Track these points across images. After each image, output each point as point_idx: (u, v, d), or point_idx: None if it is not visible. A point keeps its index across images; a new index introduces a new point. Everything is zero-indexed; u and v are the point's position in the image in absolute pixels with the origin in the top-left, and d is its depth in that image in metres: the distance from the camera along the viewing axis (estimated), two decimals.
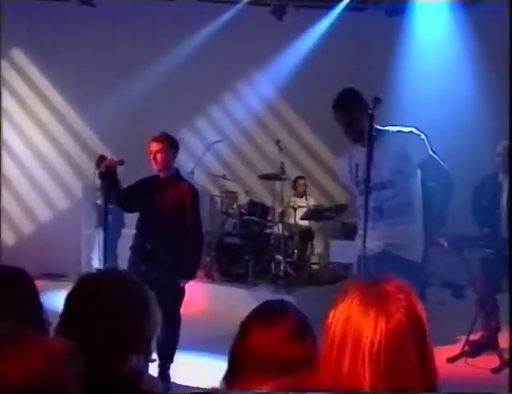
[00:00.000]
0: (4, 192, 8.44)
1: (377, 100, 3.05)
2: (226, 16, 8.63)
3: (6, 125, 8.52)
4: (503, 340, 4.82)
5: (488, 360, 4.71)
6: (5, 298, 1.64)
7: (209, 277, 7.37)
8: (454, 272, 5.53)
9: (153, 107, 8.21)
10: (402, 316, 1.06)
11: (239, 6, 8.64)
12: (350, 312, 1.08)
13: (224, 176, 8.17)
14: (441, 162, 3.52)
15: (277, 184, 7.42)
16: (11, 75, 8.59)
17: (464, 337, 4.89)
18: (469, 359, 4.73)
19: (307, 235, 7.72)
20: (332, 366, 1.07)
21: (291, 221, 7.56)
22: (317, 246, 8.06)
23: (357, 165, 3.55)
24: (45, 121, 8.77)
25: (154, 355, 1.63)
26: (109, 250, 5.08)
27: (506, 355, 4.63)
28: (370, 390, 1.02)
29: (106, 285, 1.57)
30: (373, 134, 3.15)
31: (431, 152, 3.46)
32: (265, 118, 9.34)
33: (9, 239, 8.47)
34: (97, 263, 6.77)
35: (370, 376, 1.03)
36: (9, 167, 8.54)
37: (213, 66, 8.40)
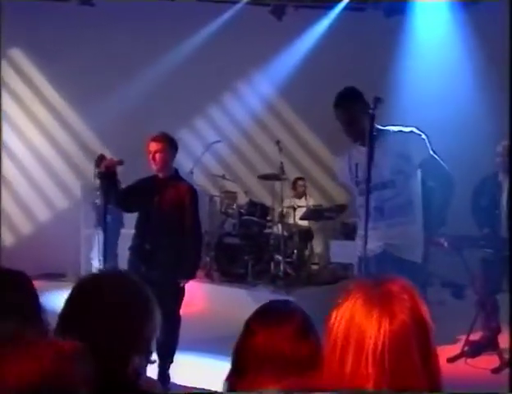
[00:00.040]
0: (3, 192, 8.43)
1: (378, 100, 3.04)
2: (226, 15, 8.64)
3: (4, 125, 8.51)
4: (503, 340, 4.82)
5: (488, 360, 4.71)
6: (5, 300, 1.64)
7: (209, 278, 7.37)
8: (454, 272, 5.53)
9: (153, 107, 8.21)
10: (406, 317, 1.06)
11: (238, 6, 8.65)
12: (354, 312, 1.07)
13: (223, 176, 8.17)
14: (442, 162, 3.51)
15: (277, 184, 7.42)
16: (10, 75, 8.58)
17: (463, 337, 4.88)
18: (469, 360, 4.72)
19: (306, 236, 7.72)
20: (335, 366, 1.06)
21: (291, 221, 7.55)
22: (317, 246, 8.05)
23: (357, 165, 3.54)
24: (44, 121, 8.76)
25: (154, 356, 1.62)
26: (109, 250, 5.08)
27: (506, 356, 4.62)
28: (374, 390, 1.02)
29: (106, 285, 1.57)
30: (374, 134, 3.14)
31: (431, 152, 3.45)
32: (264, 118, 9.35)
33: (8, 239, 8.46)
34: (96, 263, 6.77)
35: (374, 377, 1.02)
36: (8, 167, 8.52)
37: (213, 66, 8.40)
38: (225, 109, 9.30)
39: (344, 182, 3.92)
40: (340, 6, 8.74)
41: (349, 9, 8.78)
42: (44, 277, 7.67)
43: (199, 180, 8.06)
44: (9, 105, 8.53)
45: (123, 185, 4.49)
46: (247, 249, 7.27)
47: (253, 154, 9.37)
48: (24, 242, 8.47)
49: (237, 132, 9.23)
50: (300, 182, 8.36)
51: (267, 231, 7.65)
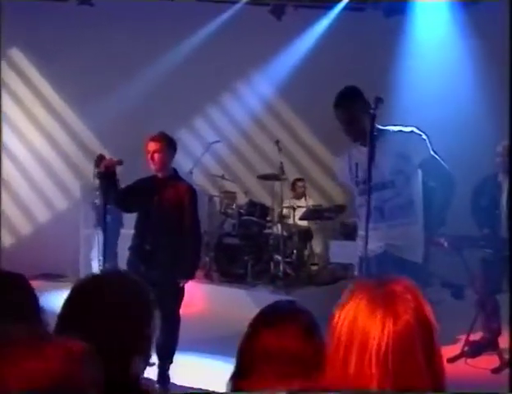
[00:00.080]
0: (2, 192, 8.41)
1: (379, 100, 3.03)
2: (225, 15, 8.62)
3: (3, 125, 8.49)
4: (503, 340, 4.82)
5: (488, 361, 4.71)
6: (5, 301, 1.63)
7: (208, 278, 7.36)
8: (454, 272, 5.52)
9: (152, 107, 8.20)
10: (410, 317, 1.05)
11: (238, 6, 8.63)
12: (357, 312, 1.06)
13: (223, 177, 8.16)
14: (442, 161, 3.50)
15: (276, 184, 7.41)
16: (9, 75, 8.56)
17: (463, 337, 4.88)
18: (469, 360, 4.72)
19: (306, 236, 7.71)
20: (338, 367, 1.05)
21: (290, 221, 7.55)
22: (317, 247, 8.05)
23: (356, 164, 3.53)
24: (42, 121, 8.75)
25: (153, 358, 1.62)
26: (108, 250, 5.08)
27: (506, 356, 4.62)
28: (377, 390, 1.01)
29: (106, 285, 1.56)
30: (375, 134, 3.13)
31: (432, 152, 3.44)
32: (264, 118, 9.34)
33: (7, 239, 8.44)
34: (96, 263, 6.76)
35: (377, 377, 1.01)
36: (7, 168, 8.51)
37: (212, 66, 8.39)
38: (224, 109, 9.29)
39: (343, 182, 3.91)
40: (340, 6, 8.73)
41: (348, 9, 8.77)
42: (43, 278, 7.66)
43: (199, 181, 8.05)
44: (7, 104, 8.52)
45: (122, 185, 4.49)
46: (246, 250, 7.26)
47: (253, 154, 9.36)
48: (23, 242, 8.46)
49: (236, 132, 9.22)
50: (300, 183, 8.35)
51: (267, 231, 7.64)
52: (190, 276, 4.34)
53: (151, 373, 4.03)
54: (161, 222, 4.22)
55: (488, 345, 4.86)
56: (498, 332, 4.90)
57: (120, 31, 8.21)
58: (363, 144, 3.39)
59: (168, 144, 4.29)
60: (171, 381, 4.28)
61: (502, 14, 6.66)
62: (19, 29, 7.97)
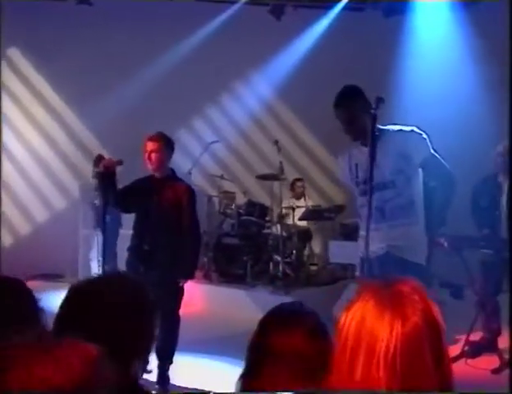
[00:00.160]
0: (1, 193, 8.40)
1: (380, 100, 3.01)
2: (224, 15, 8.62)
3: (2, 125, 8.47)
4: (503, 340, 4.81)
5: (488, 361, 4.70)
6: (4, 305, 1.62)
7: (207, 278, 7.35)
8: (453, 272, 5.51)
9: (151, 107, 8.18)
10: (418, 319, 1.04)
11: (237, 6, 8.63)
12: (364, 314, 1.05)
13: (222, 177, 8.15)
14: (443, 161, 3.49)
15: (275, 184, 7.40)
16: (7, 74, 8.54)
17: (463, 337, 4.87)
18: (469, 360, 4.71)
19: (305, 236, 7.71)
20: (345, 369, 1.04)
21: (289, 221, 7.54)
22: (316, 247, 8.05)
23: (356, 165, 3.52)
24: (41, 121, 8.73)
25: (150, 366, 1.62)
26: (108, 251, 5.06)
27: (506, 356, 4.61)
28: (384, 391, 1.00)
29: (106, 286, 1.56)
30: (376, 134, 3.12)
31: (432, 151, 3.43)
32: (263, 118, 9.33)
33: (6, 239, 8.42)
34: (95, 263, 6.75)
35: (385, 380, 1.00)
36: (5, 168, 8.49)
37: (211, 66, 8.38)
38: (223, 109, 9.29)
39: (345, 182, 3.90)
40: (339, 6, 8.73)
41: (348, 9, 8.77)
42: (42, 278, 7.65)
43: (198, 181, 8.04)
44: (7, 104, 8.50)
45: (120, 186, 4.48)
46: (246, 250, 7.25)
47: (252, 154, 9.35)
48: (22, 243, 8.44)
49: (235, 132, 9.22)
50: (299, 183, 8.35)
51: (266, 231, 7.63)
52: (190, 276, 4.33)
53: (151, 373, 4.02)
54: (159, 223, 4.22)
55: (488, 346, 4.86)
56: (498, 333, 4.90)
57: (119, 31, 8.20)
58: (364, 143, 3.38)
59: (165, 144, 4.28)
60: (171, 381, 4.27)
61: (502, 14, 6.65)
62: (18, 28, 7.95)
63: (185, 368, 4.50)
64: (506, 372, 4.40)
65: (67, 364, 0.90)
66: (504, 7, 6.59)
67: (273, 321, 1.57)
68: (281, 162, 7.19)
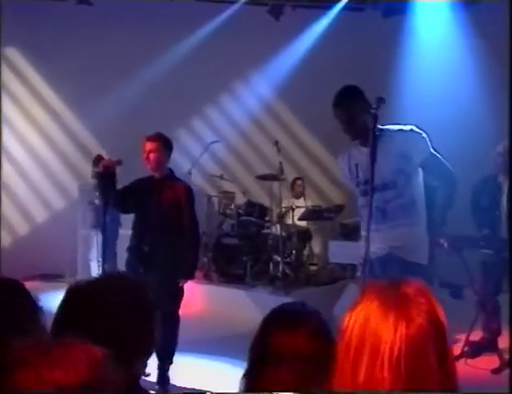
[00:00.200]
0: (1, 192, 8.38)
1: (381, 100, 3.00)
2: (224, 15, 8.61)
3: (2, 125, 8.46)
4: (503, 340, 4.81)
5: (488, 361, 4.71)
6: (3, 306, 1.62)
7: (207, 278, 7.35)
8: (453, 272, 5.51)
9: (150, 107, 8.18)
10: (423, 320, 1.03)
11: (236, 6, 8.63)
12: (369, 315, 1.04)
13: (221, 177, 8.15)
14: (443, 160, 3.48)
15: (275, 184, 7.40)
16: (8, 75, 8.53)
17: (463, 337, 4.87)
18: (469, 360, 4.71)
19: (305, 236, 7.70)
20: (349, 370, 1.04)
21: (289, 221, 7.53)
22: (316, 247, 8.04)
23: (356, 165, 3.50)
24: (40, 121, 8.72)
25: (149, 369, 1.62)
26: (107, 251, 5.05)
27: (506, 356, 4.62)
28: (387, 391, 0.99)
29: (106, 286, 1.56)
30: (376, 134, 3.11)
31: (432, 150, 3.42)
32: (262, 119, 9.33)
33: (5, 239, 8.41)
34: (95, 263, 6.75)
35: (389, 381, 0.99)
36: (5, 168, 8.48)
37: (211, 66, 8.38)
38: (223, 109, 9.28)
39: (345, 182, 3.89)
40: (339, 6, 8.72)
41: (347, 9, 8.77)
42: (41, 278, 7.65)
43: (197, 181, 8.03)
44: (6, 104, 8.48)
45: (119, 186, 4.47)
46: (245, 250, 7.25)
47: (251, 155, 9.35)
48: (21, 243, 8.43)
49: (235, 132, 9.21)
50: (299, 182, 8.34)
51: (266, 231, 7.63)
52: (189, 276, 4.33)
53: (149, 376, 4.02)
54: (159, 223, 4.21)
55: (488, 346, 4.85)
56: (498, 333, 4.90)
57: (119, 31, 8.19)
58: (363, 143, 3.38)
59: (164, 144, 4.28)
60: (171, 381, 4.27)
61: (502, 14, 6.65)
62: (17, 28, 7.93)
63: (185, 369, 4.49)
64: (506, 372, 4.40)
65: (74, 365, 0.90)
66: (504, 7, 6.58)
67: (276, 321, 1.57)
68: (280, 163, 7.18)
